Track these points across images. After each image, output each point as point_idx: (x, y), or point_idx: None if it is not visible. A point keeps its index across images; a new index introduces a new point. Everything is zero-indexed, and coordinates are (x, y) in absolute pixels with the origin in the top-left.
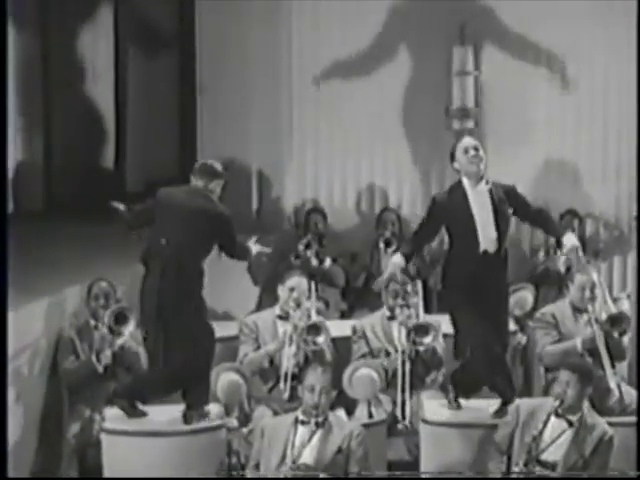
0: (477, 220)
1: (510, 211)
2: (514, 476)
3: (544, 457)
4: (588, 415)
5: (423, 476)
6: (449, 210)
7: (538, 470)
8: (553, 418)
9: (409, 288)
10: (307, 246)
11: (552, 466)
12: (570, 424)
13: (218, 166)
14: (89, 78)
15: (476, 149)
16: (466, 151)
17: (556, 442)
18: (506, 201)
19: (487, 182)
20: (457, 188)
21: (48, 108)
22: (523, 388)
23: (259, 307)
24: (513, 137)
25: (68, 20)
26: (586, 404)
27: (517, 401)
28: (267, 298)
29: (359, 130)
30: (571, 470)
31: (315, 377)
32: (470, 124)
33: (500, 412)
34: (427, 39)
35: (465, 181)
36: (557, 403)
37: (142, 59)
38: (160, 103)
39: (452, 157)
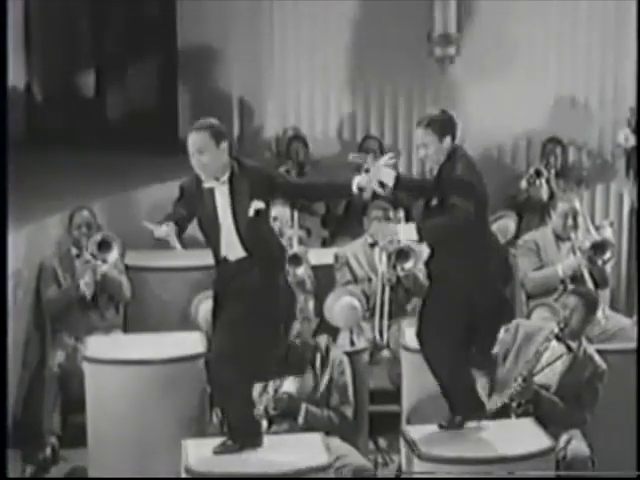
0: None
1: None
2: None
3: (538, 379)
4: (586, 346)
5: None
6: None
7: (535, 387)
8: (554, 342)
9: (391, 215)
10: (287, 173)
11: (546, 388)
12: (569, 350)
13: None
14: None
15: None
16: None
17: (552, 365)
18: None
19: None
20: None
21: (27, 38)
22: None
23: None
24: (495, 63)
25: None
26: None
27: (519, 320)
28: None
29: (340, 57)
30: (563, 397)
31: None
32: (452, 51)
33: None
34: None
35: None
36: (562, 325)
37: None
38: (141, 31)
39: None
